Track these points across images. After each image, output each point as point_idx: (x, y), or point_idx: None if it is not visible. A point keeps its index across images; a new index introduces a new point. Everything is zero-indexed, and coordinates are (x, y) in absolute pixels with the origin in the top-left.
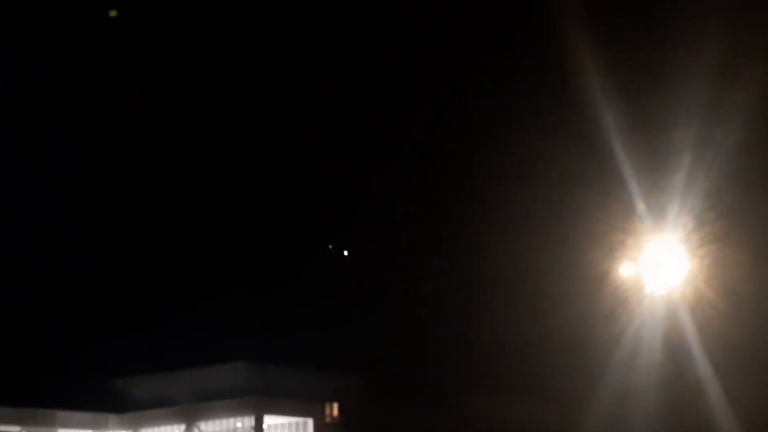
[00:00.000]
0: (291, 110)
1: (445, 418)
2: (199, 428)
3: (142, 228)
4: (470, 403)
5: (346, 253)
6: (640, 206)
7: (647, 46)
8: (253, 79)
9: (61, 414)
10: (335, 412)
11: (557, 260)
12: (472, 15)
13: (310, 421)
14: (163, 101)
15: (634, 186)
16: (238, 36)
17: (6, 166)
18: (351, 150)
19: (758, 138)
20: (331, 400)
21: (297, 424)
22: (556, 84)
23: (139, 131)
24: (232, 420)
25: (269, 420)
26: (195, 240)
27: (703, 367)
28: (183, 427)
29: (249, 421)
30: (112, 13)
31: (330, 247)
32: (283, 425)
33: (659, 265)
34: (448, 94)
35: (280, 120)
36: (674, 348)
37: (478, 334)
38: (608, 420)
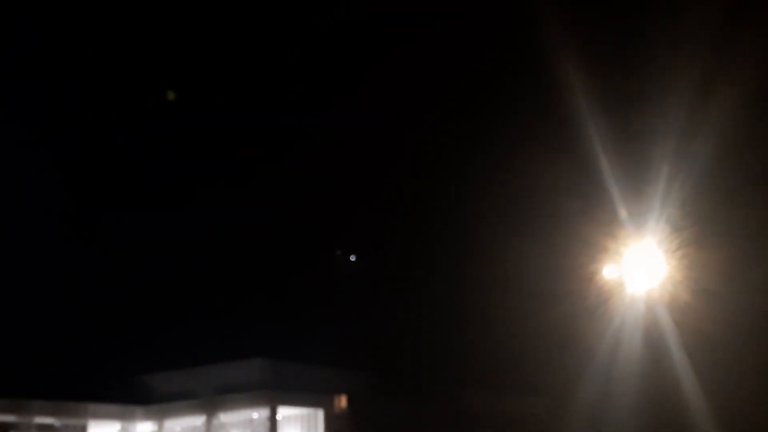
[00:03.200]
0: (302, 117)
1: (444, 409)
2: (218, 419)
3: (164, 233)
4: (468, 397)
5: (353, 258)
6: (622, 213)
7: (630, 66)
8: (258, 79)
9: (93, 406)
10: (344, 403)
11: (546, 263)
12: (463, 31)
13: (320, 412)
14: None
15: (616, 195)
16: (240, 40)
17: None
18: (358, 164)
19: (730, 151)
20: (340, 393)
21: (308, 415)
22: (548, 103)
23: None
24: (248, 411)
25: (283, 411)
26: (217, 249)
27: (680, 361)
28: (204, 418)
29: (264, 412)
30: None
31: (338, 252)
32: (295, 416)
33: (639, 267)
34: (443, 109)
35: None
36: (653, 344)
37: (475, 333)
38: (592, 411)
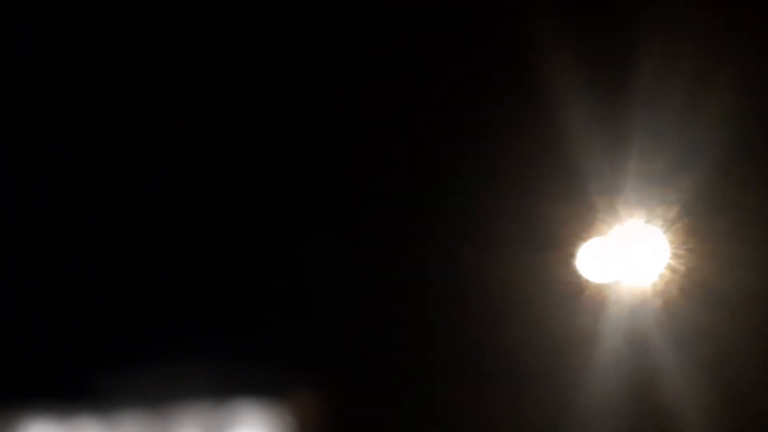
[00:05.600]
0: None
1: (416, 408)
2: (172, 418)
3: (130, 227)
4: (440, 395)
5: (318, 250)
6: (618, 199)
7: (613, 34)
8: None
9: (32, 405)
10: (309, 401)
11: (528, 252)
12: (437, 21)
13: (284, 410)
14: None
15: (611, 178)
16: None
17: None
18: (325, 153)
19: (742, 136)
20: (305, 390)
21: (270, 412)
22: (524, 81)
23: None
24: (205, 410)
25: (243, 409)
26: (177, 242)
27: (676, 360)
28: (156, 417)
29: (223, 410)
30: None
31: (303, 245)
32: (256, 414)
33: (636, 258)
34: (410, 85)
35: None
36: (644, 340)
37: (448, 332)
38: (581, 414)
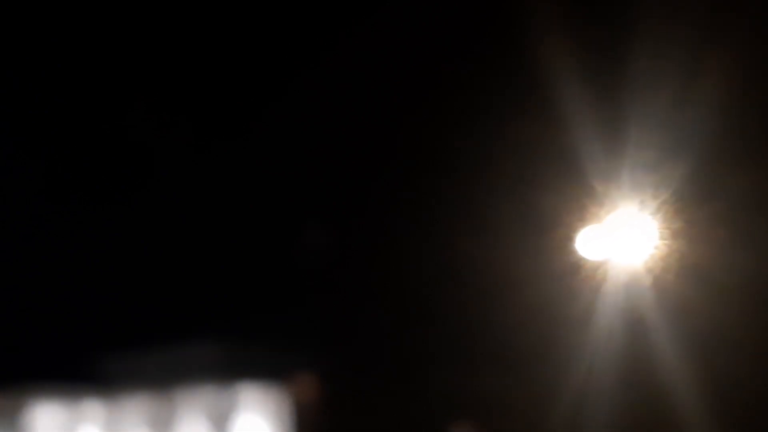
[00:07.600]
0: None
1: (415, 391)
2: (174, 401)
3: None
4: (441, 375)
5: (321, 241)
6: (612, 184)
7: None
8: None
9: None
10: (310, 384)
11: (526, 236)
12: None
13: (285, 393)
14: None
15: (606, 164)
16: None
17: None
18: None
19: (730, 125)
20: (307, 373)
21: (272, 396)
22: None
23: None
24: (207, 393)
25: (245, 393)
26: (177, 222)
27: (667, 334)
28: (159, 401)
29: (225, 393)
30: None
31: (304, 228)
32: (258, 398)
33: (628, 240)
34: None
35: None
36: (639, 325)
37: (449, 313)
38: (572, 397)
